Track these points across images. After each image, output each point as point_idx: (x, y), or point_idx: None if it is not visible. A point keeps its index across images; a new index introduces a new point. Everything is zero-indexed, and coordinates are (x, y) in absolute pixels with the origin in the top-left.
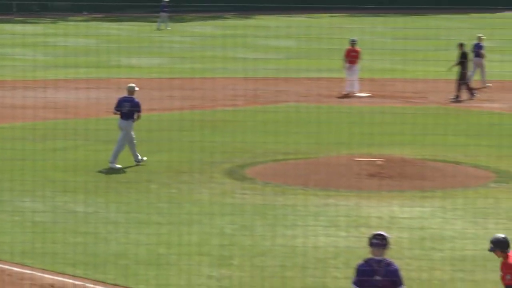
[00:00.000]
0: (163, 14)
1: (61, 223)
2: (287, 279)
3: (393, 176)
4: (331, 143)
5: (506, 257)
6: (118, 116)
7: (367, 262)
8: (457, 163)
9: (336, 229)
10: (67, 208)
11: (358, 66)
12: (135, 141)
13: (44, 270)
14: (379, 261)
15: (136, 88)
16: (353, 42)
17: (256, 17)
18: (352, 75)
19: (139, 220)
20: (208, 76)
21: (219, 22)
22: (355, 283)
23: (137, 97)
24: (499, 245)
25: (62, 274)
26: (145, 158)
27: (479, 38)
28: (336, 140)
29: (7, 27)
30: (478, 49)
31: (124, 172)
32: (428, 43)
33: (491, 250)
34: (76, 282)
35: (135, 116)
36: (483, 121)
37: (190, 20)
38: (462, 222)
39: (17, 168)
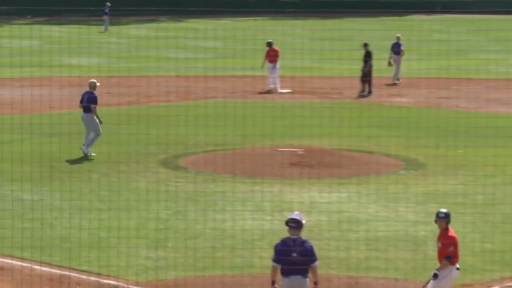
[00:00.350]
0: (105, 17)
1: (9, 210)
2: (217, 259)
3: (312, 164)
4: (256, 135)
5: (447, 229)
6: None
7: (284, 241)
8: (370, 152)
9: (262, 213)
10: (15, 196)
11: (278, 64)
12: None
13: None
14: (294, 240)
15: (97, 84)
16: (269, 43)
17: (187, 20)
18: (273, 73)
19: (82, 206)
20: (143, 75)
21: (153, 25)
22: (274, 260)
23: (97, 92)
24: (448, 218)
25: (11, 256)
26: (93, 154)
27: (398, 38)
28: (260, 132)
29: None
30: (397, 48)
31: (67, 162)
32: (342, 44)
33: (440, 220)
34: (24, 264)
35: (92, 108)
36: (393, 114)
37: (126, 23)
38: (375, 206)
39: None
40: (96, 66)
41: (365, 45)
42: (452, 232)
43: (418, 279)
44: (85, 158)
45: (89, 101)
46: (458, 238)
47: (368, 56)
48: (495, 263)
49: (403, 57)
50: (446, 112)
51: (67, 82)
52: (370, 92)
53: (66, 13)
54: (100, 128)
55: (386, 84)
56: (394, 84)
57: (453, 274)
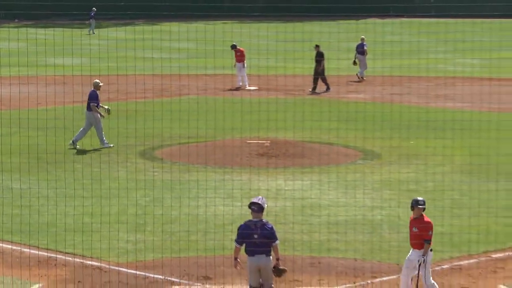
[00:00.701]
0: (92, 21)
1: None
2: (192, 242)
3: (278, 155)
4: (226, 128)
5: (422, 215)
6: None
7: (246, 224)
8: (330, 144)
9: (232, 200)
10: (4, 185)
11: (245, 64)
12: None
13: None
14: (256, 223)
15: (101, 84)
16: (233, 46)
17: (161, 24)
18: (241, 72)
19: (67, 194)
20: (121, 74)
21: (130, 28)
22: (236, 241)
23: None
24: (424, 205)
25: (2, 240)
26: (78, 146)
27: (362, 39)
28: (230, 126)
29: None
30: (361, 48)
31: (53, 154)
32: (304, 45)
33: (419, 207)
34: (14, 247)
35: (91, 106)
36: (350, 109)
37: (106, 26)
38: (335, 193)
39: None
40: (78, 66)
41: (317, 46)
42: (427, 218)
43: (375, 259)
44: (69, 150)
45: (88, 99)
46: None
47: (320, 56)
48: (445, 244)
49: (367, 57)
50: (399, 107)
51: (52, 81)
52: (328, 89)
53: (53, 17)
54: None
55: (351, 81)
56: (359, 81)
57: (430, 256)
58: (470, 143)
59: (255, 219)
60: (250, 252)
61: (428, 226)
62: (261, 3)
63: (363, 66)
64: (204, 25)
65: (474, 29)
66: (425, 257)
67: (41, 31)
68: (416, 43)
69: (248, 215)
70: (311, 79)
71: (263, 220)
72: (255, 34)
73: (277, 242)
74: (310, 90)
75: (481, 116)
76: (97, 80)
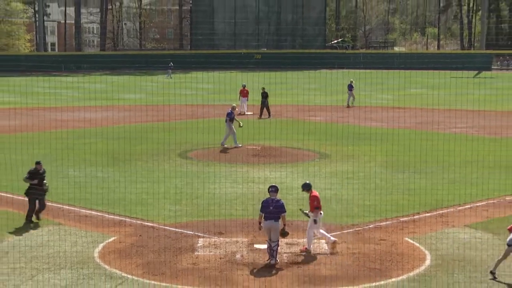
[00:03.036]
0: (169, 70)
1: (89, 183)
2: (210, 210)
3: (266, 155)
4: (232, 138)
5: (311, 192)
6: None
7: (267, 199)
8: (298, 148)
9: (236, 184)
10: (92, 174)
11: (248, 98)
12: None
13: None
14: (273, 199)
15: (236, 108)
16: (244, 85)
17: (191, 72)
18: (244, 103)
19: (131, 180)
20: (166, 104)
21: (173, 74)
22: (261, 210)
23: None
24: (308, 187)
25: (90, 209)
26: (226, 146)
27: (351, 82)
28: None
29: None
30: (350, 87)
31: (122, 154)
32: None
33: (303, 190)
34: (98, 214)
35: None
36: (311, 126)
37: (156, 75)
38: (301, 180)
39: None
40: (139, 99)
41: (263, 88)
42: (315, 193)
43: (326, 222)
44: (130, 152)
45: (228, 116)
46: (348, 199)
47: (265, 95)
48: (370, 212)
49: (354, 91)
50: (341, 125)
51: (122, 108)
52: (269, 116)
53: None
54: (235, 130)
55: (346, 107)
56: (348, 107)
57: (320, 216)
58: (386, 148)
59: (272, 197)
60: (266, 218)
61: (315, 198)
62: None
63: (352, 98)
64: (218, 73)
65: (388, 76)
66: (316, 218)
67: (113, 77)
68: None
69: (247, 193)
70: (285, 107)
71: (277, 198)
72: (251, 79)
73: (285, 213)
74: (258, 117)
75: (393, 131)
76: (234, 105)
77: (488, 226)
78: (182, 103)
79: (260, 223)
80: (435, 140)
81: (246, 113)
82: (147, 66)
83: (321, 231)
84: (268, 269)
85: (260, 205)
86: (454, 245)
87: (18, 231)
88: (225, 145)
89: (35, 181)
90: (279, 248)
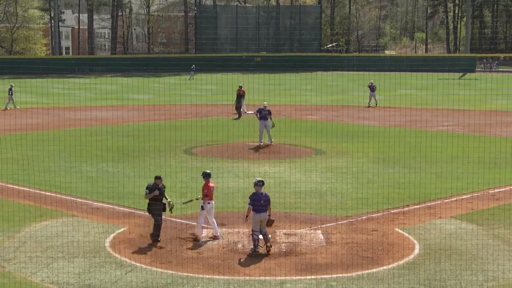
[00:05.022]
0: (192, 72)
1: (100, 177)
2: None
3: (265, 152)
4: (234, 135)
5: (207, 182)
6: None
7: (256, 193)
8: (295, 145)
9: (238, 178)
10: (104, 169)
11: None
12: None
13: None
14: (261, 193)
15: (265, 103)
16: (240, 86)
17: (196, 74)
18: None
19: (139, 175)
20: (173, 104)
21: (178, 76)
22: (251, 203)
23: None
24: (206, 176)
25: (102, 202)
26: (261, 143)
27: (371, 82)
28: (236, 134)
29: None
30: (372, 87)
31: (132, 151)
32: (280, 87)
33: (203, 178)
34: (108, 206)
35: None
36: (308, 125)
37: (163, 76)
38: (299, 174)
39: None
40: (147, 99)
41: (240, 87)
42: (210, 183)
43: (322, 213)
44: (138, 149)
45: (265, 113)
46: (342, 192)
47: (240, 96)
48: (363, 204)
49: (376, 92)
50: (336, 124)
51: (131, 108)
52: (241, 114)
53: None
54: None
55: (365, 107)
56: (369, 107)
57: (209, 206)
58: (378, 145)
59: (260, 191)
60: (258, 210)
61: (206, 189)
62: (255, 62)
63: (374, 98)
64: (221, 75)
65: (380, 78)
66: (203, 205)
67: (123, 79)
68: (346, 86)
69: (248, 187)
70: (285, 107)
71: (263, 192)
72: (251, 81)
73: (270, 205)
74: (237, 117)
75: (384, 129)
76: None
77: (472, 218)
78: (187, 103)
79: (247, 216)
80: (423, 137)
81: (246, 111)
82: (155, 69)
83: (213, 220)
84: (267, 257)
85: (248, 199)
86: (441, 235)
87: (34, 223)
88: (261, 143)
89: (157, 192)
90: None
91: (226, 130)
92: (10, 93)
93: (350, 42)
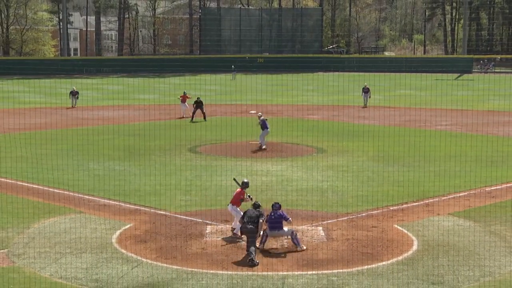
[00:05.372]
0: (233, 73)
1: (107, 176)
2: (217, 200)
3: (267, 150)
4: (237, 134)
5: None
6: None
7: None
8: (297, 144)
9: (241, 176)
10: (111, 167)
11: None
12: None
13: (108, 198)
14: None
15: (262, 117)
16: (184, 92)
17: (200, 75)
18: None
19: (146, 173)
20: (178, 103)
21: (183, 77)
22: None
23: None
24: (245, 185)
25: (108, 199)
26: (264, 147)
27: (365, 85)
28: (240, 133)
29: None
30: (365, 90)
31: (138, 149)
32: (282, 87)
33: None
34: (115, 203)
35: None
36: (309, 124)
37: (169, 77)
38: (300, 172)
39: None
40: (153, 99)
41: (198, 98)
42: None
43: (323, 210)
44: (144, 147)
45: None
46: (343, 190)
47: (199, 102)
48: (363, 202)
49: (369, 94)
50: (337, 123)
51: (137, 108)
52: (205, 120)
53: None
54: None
55: (359, 108)
56: (365, 107)
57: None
58: (378, 143)
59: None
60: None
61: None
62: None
63: (367, 100)
64: (225, 75)
65: (379, 78)
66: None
67: (129, 79)
68: (346, 86)
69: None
70: (287, 107)
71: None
72: (254, 81)
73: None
74: (192, 119)
75: (383, 128)
76: (260, 113)
77: (469, 215)
78: (191, 102)
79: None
80: (421, 137)
81: (250, 111)
82: (160, 69)
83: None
84: (269, 254)
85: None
86: (439, 232)
87: (43, 219)
88: (264, 146)
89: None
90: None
91: (229, 129)
92: (75, 95)
93: (351, 43)
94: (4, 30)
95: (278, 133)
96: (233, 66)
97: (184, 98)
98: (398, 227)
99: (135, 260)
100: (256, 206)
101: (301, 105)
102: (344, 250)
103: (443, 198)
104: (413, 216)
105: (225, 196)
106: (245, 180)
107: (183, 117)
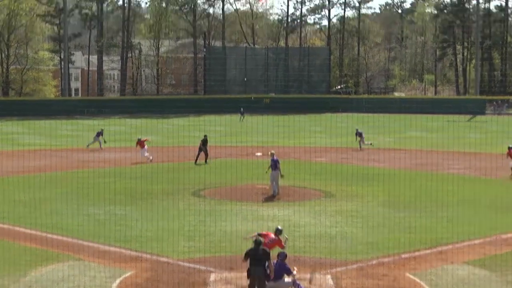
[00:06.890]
0: (240, 114)
1: (108, 220)
2: (222, 247)
3: (274, 194)
4: (243, 178)
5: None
6: None
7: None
8: (304, 187)
9: (246, 221)
10: (111, 212)
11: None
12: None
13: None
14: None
15: (272, 151)
16: (139, 138)
17: (204, 115)
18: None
19: (148, 218)
20: (180, 145)
21: (187, 118)
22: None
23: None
24: (278, 232)
25: (108, 245)
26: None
27: (357, 129)
28: (245, 176)
29: None
30: (360, 133)
31: (139, 193)
32: (289, 129)
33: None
34: (116, 249)
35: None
36: (317, 167)
37: (173, 118)
38: (308, 217)
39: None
40: (155, 140)
41: (205, 136)
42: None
43: (332, 257)
44: (146, 191)
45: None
46: (352, 236)
47: (204, 142)
48: (373, 249)
49: (364, 136)
50: (346, 166)
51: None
52: (206, 162)
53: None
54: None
55: (357, 150)
56: (361, 150)
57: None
58: (388, 188)
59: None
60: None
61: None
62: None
63: (363, 141)
64: (230, 116)
65: (389, 120)
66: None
67: (131, 120)
68: (355, 127)
69: (257, 230)
70: (294, 149)
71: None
72: (260, 122)
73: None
74: (197, 161)
75: (394, 172)
76: (273, 151)
77: (485, 263)
78: (196, 144)
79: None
80: (433, 181)
81: (256, 153)
82: (163, 110)
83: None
84: None
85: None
86: (453, 281)
87: (41, 266)
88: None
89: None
90: None
91: (235, 172)
92: (99, 135)
93: (359, 83)
94: (4, 70)
95: (285, 176)
96: (241, 108)
97: (142, 144)
98: (411, 276)
99: None
100: (257, 243)
101: (308, 147)
102: None
103: (456, 245)
104: (425, 264)
105: (229, 242)
106: (279, 228)
107: (147, 162)
